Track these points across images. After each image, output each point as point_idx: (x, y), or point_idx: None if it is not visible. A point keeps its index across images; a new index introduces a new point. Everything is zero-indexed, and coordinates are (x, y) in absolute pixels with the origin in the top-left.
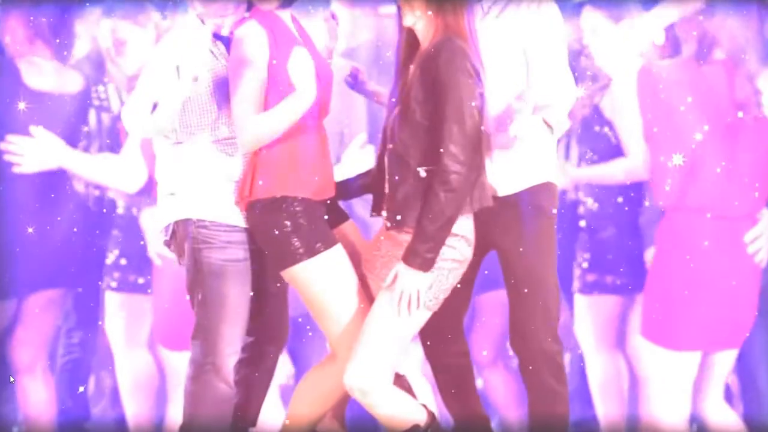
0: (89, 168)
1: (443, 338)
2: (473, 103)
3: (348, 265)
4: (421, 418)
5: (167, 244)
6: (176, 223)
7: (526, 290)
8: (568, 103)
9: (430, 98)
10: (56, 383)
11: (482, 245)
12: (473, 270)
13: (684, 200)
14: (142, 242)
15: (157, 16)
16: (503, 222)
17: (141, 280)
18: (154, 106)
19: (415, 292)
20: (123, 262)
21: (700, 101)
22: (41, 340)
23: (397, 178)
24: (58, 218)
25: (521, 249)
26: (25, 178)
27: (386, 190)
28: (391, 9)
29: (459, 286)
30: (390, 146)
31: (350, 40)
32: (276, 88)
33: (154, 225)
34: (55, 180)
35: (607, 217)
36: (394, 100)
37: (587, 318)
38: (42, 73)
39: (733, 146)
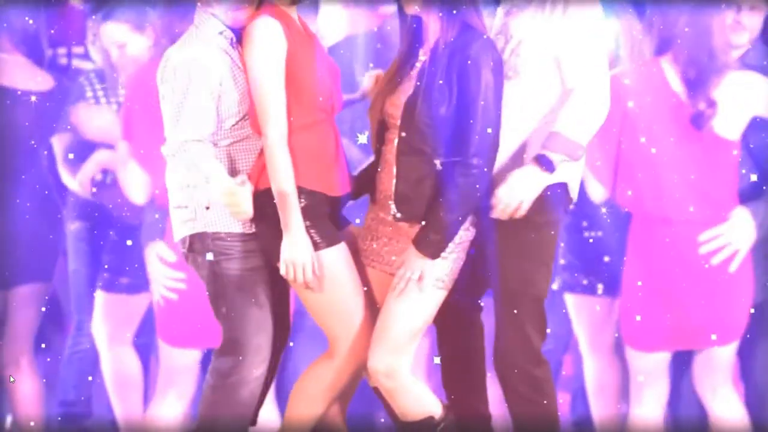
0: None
1: (457, 312)
2: (499, 99)
3: (350, 264)
4: (437, 411)
5: (185, 257)
6: (192, 236)
7: (508, 305)
8: (593, 126)
9: (454, 90)
10: (63, 374)
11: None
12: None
13: (647, 206)
14: (129, 242)
15: (155, 20)
16: (498, 228)
17: (125, 280)
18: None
19: (417, 277)
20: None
21: (656, 106)
22: (24, 334)
23: (407, 167)
24: (46, 210)
25: (510, 263)
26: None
27: (393, 179)
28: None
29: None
30: (403, 134)
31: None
32: (290, 83)
33: (159, 260)
34: (46, 175)
35: (599, 218)
36: (397, 83)
37: (579, 319)
38: (9, 71)
39: (692, 151)
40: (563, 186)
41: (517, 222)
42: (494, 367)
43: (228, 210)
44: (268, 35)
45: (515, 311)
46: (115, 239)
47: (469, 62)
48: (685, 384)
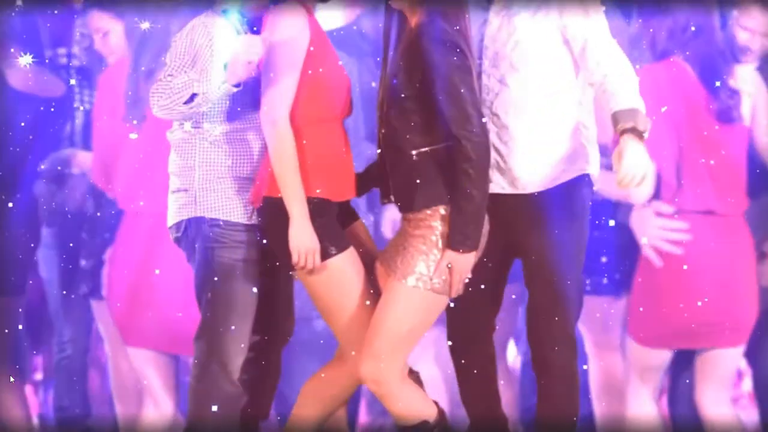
0: None
1: (470, 338)
2: (465, 77)
3: (359, 268)
4: (431, 414)
5: (177, 240)
6: (188, 220)
7: (548, 296)
8: (635, 82)
9: (418, 80)
10: (54, 381)
11: (508, 245)
12: (501, 270)
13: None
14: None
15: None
16: (530, 222)
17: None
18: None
19: (466, 274)
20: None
21: (671, 104)
22: None
23: (393, 163)
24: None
25: (547, 254)
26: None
27: (389, 175)
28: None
29: (484, 286)
30: (383, 131)
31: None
32: (303, 76)
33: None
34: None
35: (603, 217)
36: (385, 83)
37: (584, 318)
38: (26, 76)
39: (706, 147)
40: (589, 176)
41: (555, 215)
42: (534, 365)
43: (242, 56)
44: (294, 21)
45: (559, 297)
46: (94, 245)
47: (426, 51)
48: (685, 384)
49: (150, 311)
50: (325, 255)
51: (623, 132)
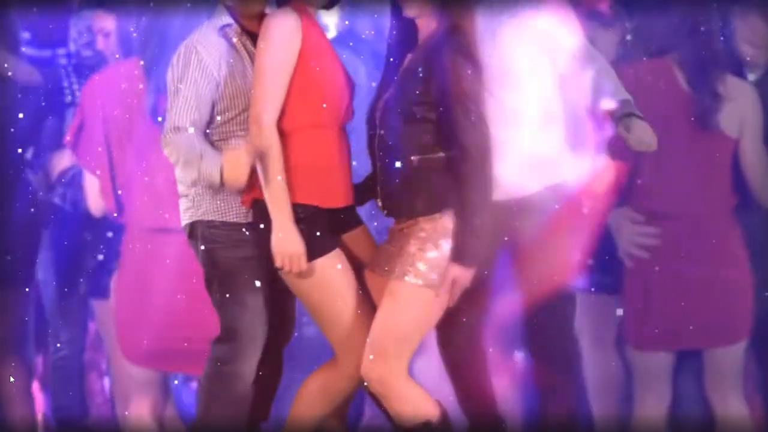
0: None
1: (459, 347)
2: (477, 88)
3: (346, 271)
4: (434, 414)
5: (189, 243)
6: (191, 224)
7: (540, 292)
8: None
9: (430, 88)
10: (51, 381)
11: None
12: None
13: (648, 202)
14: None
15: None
16: (517, 223)
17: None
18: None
19: (466, 286)
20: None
21: (666, 102)
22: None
23: (387, 166)
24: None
25: (536, 251)
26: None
27: (378, 179)
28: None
29: (470, 290)
30: (381, 132)
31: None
32: (298, 79)
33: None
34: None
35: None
36: (389, 85)
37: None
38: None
39: (697, 146)
40: (569, 182)
41: (540, 219)
42: (531, 352)
43: (227, 178)
44: (285, 25)
45: (555, 307)
46: (94, 245)
47: (445, 60)
48: (688, 385)
49: (149, 332)
50: (308, 256)
51: (625, 115)
